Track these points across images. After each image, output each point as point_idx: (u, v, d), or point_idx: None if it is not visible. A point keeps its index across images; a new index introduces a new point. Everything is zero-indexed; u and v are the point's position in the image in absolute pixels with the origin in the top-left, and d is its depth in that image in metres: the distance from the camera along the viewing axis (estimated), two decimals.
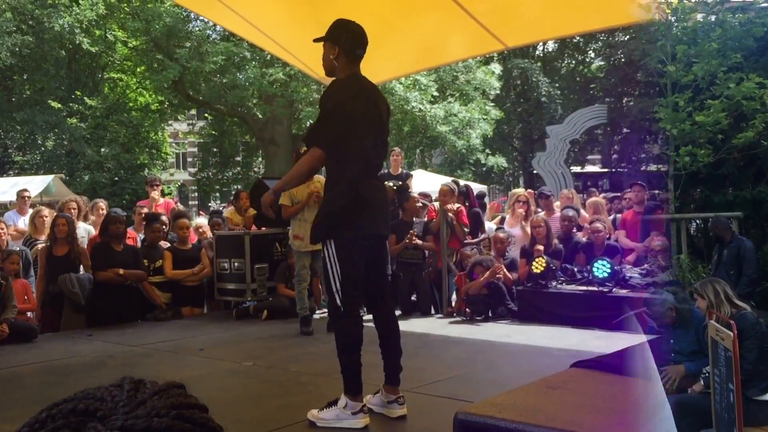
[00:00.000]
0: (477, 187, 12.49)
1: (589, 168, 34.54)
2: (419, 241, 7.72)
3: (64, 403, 0.73)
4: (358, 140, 3.75)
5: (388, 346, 4.02)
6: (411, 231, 7.67)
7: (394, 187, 8.27)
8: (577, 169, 30.55)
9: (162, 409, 0.74)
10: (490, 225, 9.08)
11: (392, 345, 4.02)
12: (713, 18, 8.00)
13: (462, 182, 9.70)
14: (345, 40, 3.82)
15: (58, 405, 0.73)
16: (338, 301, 3.76)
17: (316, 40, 3.97)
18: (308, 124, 21.80)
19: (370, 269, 4.02)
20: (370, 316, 4.24)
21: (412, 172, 12.15)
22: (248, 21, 7.08)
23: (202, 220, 8.91)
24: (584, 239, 7.87)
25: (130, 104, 26.66)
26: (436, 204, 8.29)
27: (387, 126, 4.04)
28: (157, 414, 0.73)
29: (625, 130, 29.87)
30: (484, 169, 29.07)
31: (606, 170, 32.51)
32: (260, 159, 28.55)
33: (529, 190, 10.43)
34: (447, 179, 11.33)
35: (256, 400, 4.40)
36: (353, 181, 3.74)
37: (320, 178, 6.77)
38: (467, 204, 8.54)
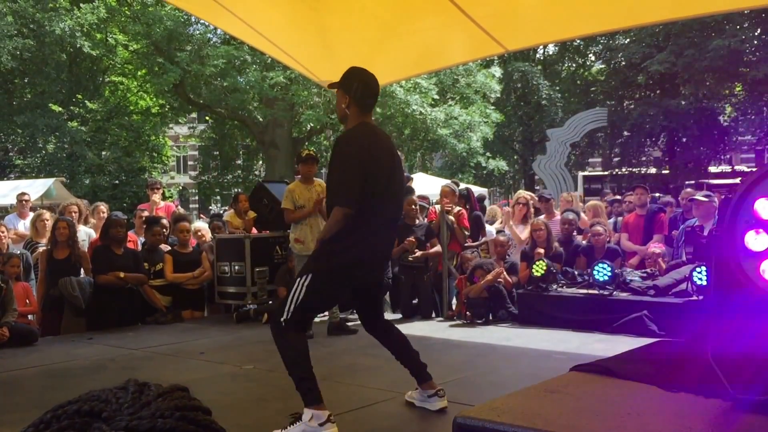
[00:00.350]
0: (477, 190, 12.50)
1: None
2: (419, 252, 7.68)
3: (69, 404, 0.74)
4: (376, 190, 3.74)
5: (403, 354, 4.08)
6: (411, 239, 7.62)
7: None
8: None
9: (166, 411, 0.74)
10: (490, 228, 9.09)
11: (407, 351, 4.07)
12: None
13: (463, 185, 9.70)
14: (356, 90, 3.82)
15: (63, 406, 0.74)
16: (284, 316, 3.71)
17: (330, 86, 4.01)
18: (308, 127, 21.85)
19: (361, 296, 4.12)
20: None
21: (412, 176, 12.16)
22: (249, 24, 7.08)
23: (201, 224, 8.93)
24: (584, 242, 7.88)
25: (131, 107, 26.73)
26: (437, 207, 8.29)
27: (402, 175, 4.05)
28: (161, 415, 0.73)
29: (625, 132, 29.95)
30: (485, 172, 29.10)
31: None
32: (261, 162, 28.60)
33: (530, 193, 10.44)
34: (447, 182, 11.35)
35: (257, 403, 4.41)
36: (370, 236, 3.75)
37: (320, 182, 6.78)
38: (468, 207, 8.55)
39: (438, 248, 7.71)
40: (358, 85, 3.83)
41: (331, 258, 3.74)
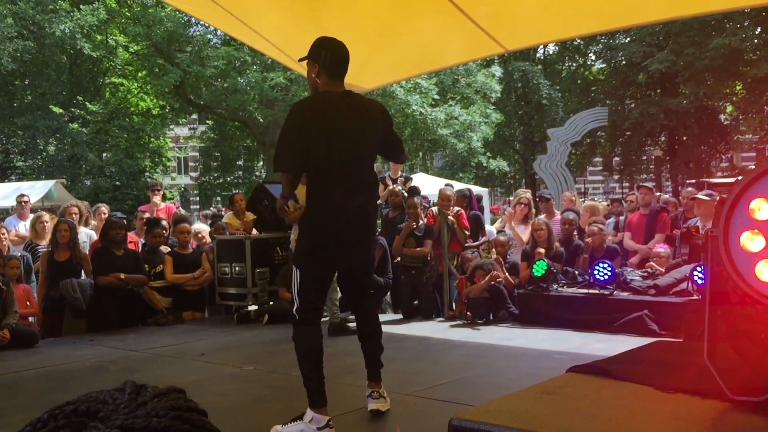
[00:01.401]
0: (476, 190, 12.51)
1: None
2: (408, 250, 7.70)
3: (66, 405, 0.75)
4: (322, 155, 3.69)
5: (368, 344, 4.09)
6: (411, 221, 7.64)
7: (405, 192, 8.29)
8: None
9: (161, 411, 0.75)
10: (490, 228, 9.09)
11: (372, 343, 4.07)
12: None
13: (464, 185, 9.70)
14: (324, 58, 3.77)
15: (61, 407, 0.75)
16: (295, 307, 3.79)
17: (300, 60, 3.96)
18: None
19: (346, 277, 4.18)
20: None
21: (412, 176, 12.16)
22: (248, 25, 7.10)
23: (201, 226, 8.94)
24: (582, 243, 7.89)
25: (132, 109, 26.75)
26: (434, 209, 8.29)
27: (370, 135, 3.86)
28: (156, 415, 0.74)
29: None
30: (486, 172, 29.12)
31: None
32: (261, 163, 28.63)
33: (527, 191, 10.43)
34: (448, 182, 11.35)
35: (257, 404, 4.41)
36: (332, 201, 3.75)
37: None
38: (468, 207, 8.55)
39: (424, 249, 7.68)
40: (327, 53, 3.78)
41: (304, 233, 3.87)
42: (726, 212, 1.96)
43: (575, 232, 8.02)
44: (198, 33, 22.35)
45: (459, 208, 8.18)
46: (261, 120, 22.31)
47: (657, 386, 2.19)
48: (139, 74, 25.00)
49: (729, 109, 30.77)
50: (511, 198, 12.25)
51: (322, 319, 7.19)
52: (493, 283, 7.10)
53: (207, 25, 19.80)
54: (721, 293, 2.00)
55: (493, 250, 7.99)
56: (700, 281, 6.21)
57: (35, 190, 16.13)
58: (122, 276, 7.22)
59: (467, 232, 8.16)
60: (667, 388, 2.15)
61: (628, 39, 28.75)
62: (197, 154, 35.46)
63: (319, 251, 3.76)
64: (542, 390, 2.24)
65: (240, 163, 30.28)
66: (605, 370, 2.40)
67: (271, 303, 7.66)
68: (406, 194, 8.27)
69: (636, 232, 8.28)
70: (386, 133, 3.97)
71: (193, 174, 36.57)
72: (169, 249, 8.00)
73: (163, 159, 28.60)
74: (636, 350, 2.99)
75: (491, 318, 7.23)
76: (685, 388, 2.12)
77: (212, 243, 8.21)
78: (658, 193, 13.74)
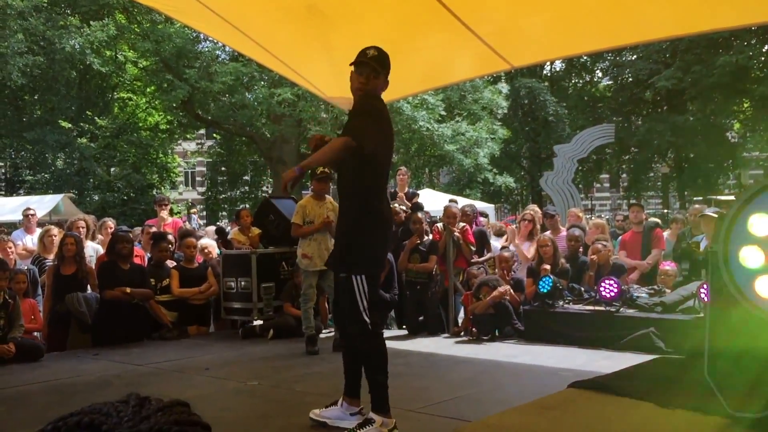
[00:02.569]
0: (480, 207, 12.50)
1: None
2: (413, 265, 7.72)
3: (70, 416, 0.76)
4: (385, 169, 3.95)
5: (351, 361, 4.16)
6: (414, 236, 7.66)
7: (407, 210, 8.31)
8: None
9: (165, 425, 0.76)
10: (496, 244, 9.08)
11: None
12: None
13: (468, 201, 9.69)
14: (389, 72, 3.97)
15: (65, 418, 0.75)
16: (367, 319, 3.83)
17: (370, 59, 3.99)
18: None
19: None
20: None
21: (419, 191, 12.17)
22: (257, 42, 7.15)
23: (208, 241, 8.97)
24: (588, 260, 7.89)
25: (140, 124, 26.89)
26: (440, 225, 8.29)
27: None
28: (159, 429, 0.75)
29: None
30: (492, 188, 29.10)
31: None
32: (268, 178, 28.70)
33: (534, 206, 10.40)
34: (453, 198, 11.36)
35: (261, 419, 4.40)
36: (387, 217, 3.92)
37: (332, 200, 6.79)
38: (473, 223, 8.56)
39: (429, 264, 7.69)
40: (389, 67, 3.97)
41: (363, 244, 3.87)
42: (725, 228, 1.96)
43: (581, 249, 8.01)
44: (206, 49, 22.47)
45: (464, 224, 8.18)
46: (268, 135, 22.36)
47: (657, 402, 2.19)
48: (148, 89, 25.15)
49: (736, 126, 30.75)
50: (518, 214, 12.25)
51: (326, 335, 7.21)
52: (499, 299, 7.09)
53: (215, 41, 19.92)
54: (722, 309, 2.00)
55: (497, 268, 7.97)
56: (706, 299, 6.19)
57: (43, 204, 16.22)
58: (128, 290, 7.24)
59: (473, 248, 8.15)
60: (667, 403, 2.14)
61: (635, 56, 28.81)
62: (204, 168, 35.60)
63: (378, 262, 3.96)
64: (543, 405, 2.24)
65: (247, 178, 30.37)
66: (606, 385, 2.40)
67: (276, 318, 7.66)
68: (404, 210, 8.28)
69: (631, 250, 8.38)
70: None
71: (200, 188, 36.69)
72: (175, 263, 8.02)
73: (171, 174, 28.71)
74: (637, 366, 2.99)
75: (497, 334, 7.21)
76: (686, 403, 2.12)
77: (219, 257, 8.23)
78: (666, 210, 13.66)
